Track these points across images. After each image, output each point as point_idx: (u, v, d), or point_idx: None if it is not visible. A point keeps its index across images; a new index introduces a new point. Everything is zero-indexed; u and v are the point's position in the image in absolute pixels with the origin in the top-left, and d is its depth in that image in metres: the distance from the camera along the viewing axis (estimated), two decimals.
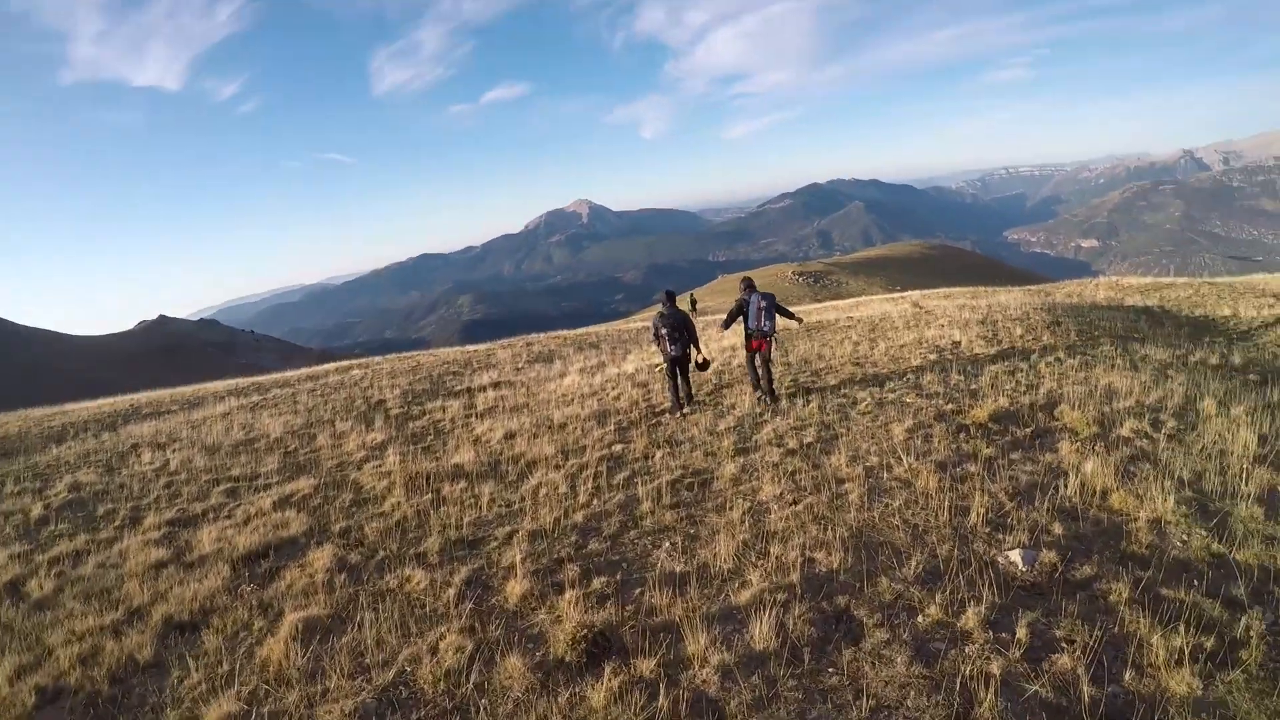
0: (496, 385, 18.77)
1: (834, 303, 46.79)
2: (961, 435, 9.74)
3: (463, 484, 10.32)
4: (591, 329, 42.34)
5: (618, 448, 11.06)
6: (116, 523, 11.00)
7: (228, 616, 7.27)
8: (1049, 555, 6.49)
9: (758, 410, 12.13)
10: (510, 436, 12.72)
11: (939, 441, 9.51)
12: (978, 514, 7.27)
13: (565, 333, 36.99)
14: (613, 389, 15.72)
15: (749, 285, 13.26)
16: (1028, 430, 9.83)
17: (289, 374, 29.41)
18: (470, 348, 31.49)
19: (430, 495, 10.03)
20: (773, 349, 12.99)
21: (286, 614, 7.08)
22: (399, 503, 9.94)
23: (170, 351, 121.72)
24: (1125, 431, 9.59)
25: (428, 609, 6.85)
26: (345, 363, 32.97)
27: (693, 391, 13.46)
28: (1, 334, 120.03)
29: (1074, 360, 14.05)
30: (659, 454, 10.44)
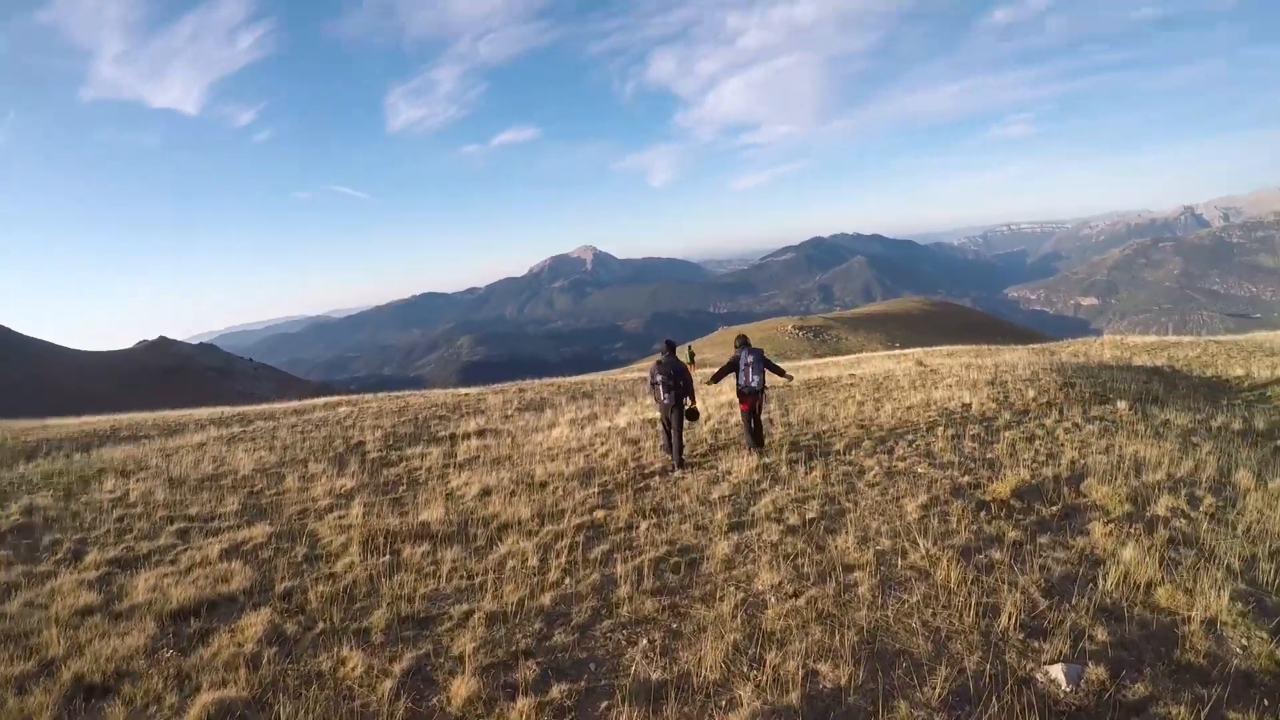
0: (482, 433, 17.81)
1: (834, 359, 45.93)
2: (982, 514, 8.74)
3: (426, 546, 9.30)
4: (587, 377, 41.39)
5: (600, 514, 10.04)
6: (58, 556, 10.10)
7: (140, 685, 6.33)
8: (1096, 671, 5.50)
9: (755, 478, 11.10)
10: (486, 493, 11.73)
11: (957, 521, 8.50)
12: (1009, 615, 6.25)
13: (560, 380, 36.03)
14: (602, 444, 14.73)
15: (742, 342, 13.10)
16: (1054, 509, 8.86)
17: (275, 406, 28.56)
18: (463, 390, 30.51)
19: (388, 557, 9.02)
20: (763, 406, 12.63)
21: (202, 691, 6.12)
22: (353, 563, 8.94)
23: (169, 373, 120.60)
24: (1161, 510, 8.70)
25: (357, 704, 5.82)
26: (335, 398, 32.04)
27: (684, 444, 12.86)
28: (1, 342, 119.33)
29: (1092, 426, 13.14)
30: (644, 524, 9.40)
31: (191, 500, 12.76)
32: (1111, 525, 8.21)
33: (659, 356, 13.00)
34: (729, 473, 11.52)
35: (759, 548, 8.23)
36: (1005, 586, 6.75)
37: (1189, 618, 6.28)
